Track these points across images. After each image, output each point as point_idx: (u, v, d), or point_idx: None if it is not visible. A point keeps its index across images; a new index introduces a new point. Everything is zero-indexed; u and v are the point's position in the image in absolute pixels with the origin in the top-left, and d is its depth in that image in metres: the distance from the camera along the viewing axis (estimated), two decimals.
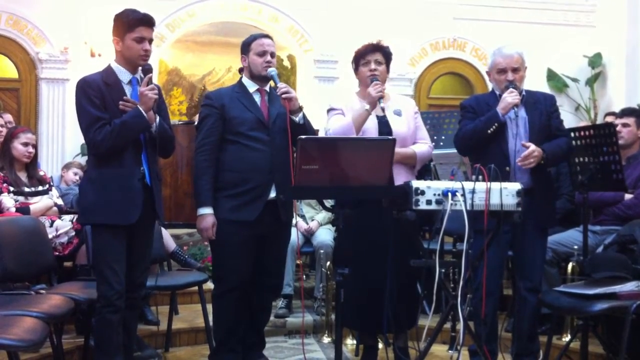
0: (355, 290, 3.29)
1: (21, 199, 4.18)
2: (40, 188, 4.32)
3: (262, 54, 3.45)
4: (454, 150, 3.91)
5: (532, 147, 3.37)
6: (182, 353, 4.27)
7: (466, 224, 2.72)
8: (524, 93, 3.53)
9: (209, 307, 3.71)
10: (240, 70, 3.62)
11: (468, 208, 2.79)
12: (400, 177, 3.36)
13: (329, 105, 3.62)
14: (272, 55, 3.47)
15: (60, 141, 7.61)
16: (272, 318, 4.20)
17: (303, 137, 2.81)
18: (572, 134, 3.79)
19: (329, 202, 3.22)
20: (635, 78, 7.85)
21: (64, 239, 4.14)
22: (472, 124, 3.48)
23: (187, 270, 4.58)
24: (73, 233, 4.15)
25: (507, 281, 4.65)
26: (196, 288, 4.15)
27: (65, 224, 4.16)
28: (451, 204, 2.79)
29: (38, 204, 4.23)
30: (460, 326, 2.87)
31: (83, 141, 6.12)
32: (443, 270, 2.84)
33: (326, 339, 4.43)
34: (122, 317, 3.12)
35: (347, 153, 2.83)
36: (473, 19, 8.39)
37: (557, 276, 4.08)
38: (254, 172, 3.38)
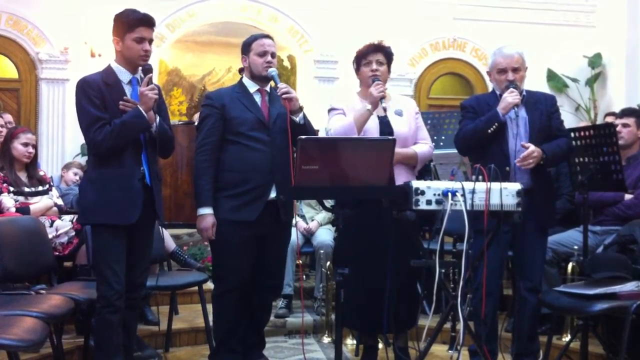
0: (355, 290, 3.29)
1: (21, 199, 4.18)
2: (40, 188, 4.32)
3: (262, 54, 3.45)
4: (454, 150, 3.91)
5: (532, 147, 3.36)
6: (182, 353, 4.27)
7: (466, 224, 2.72)
8: (524, 93, 3.53)
9: (209, 307, 3.71)
10: (240, 71, 3.62)
11: (468, 208, 2.79)
12: (401, 177, 3.36)
13: (329, 105, 3.62)
14: (273, 55, 3.47)
15: (60, 141, 7.61)
16: (272, 318, 4.20)
17: (303, 137, 2.81)
18: (572, 134, 3.79)
19: (329, 202, 3.22)
20: (635, 78, 7.85)
21: (64, 239, 4.14)
22: (473, 123, 3.48)
23: (187, 270, 4.58)
24: (73, 233, 4.15)
25: (507, 281, 4.65)
26: (196, 288, 4.15)
27: (65, 224, 4.16)
28: (451, 204, 2.79)
29: (38, 204, 4.23)
30: (460, 326, 2.87)
31: (83, 141, 6.13)
32: (443, 270, 2.84)
33: (326, 339, 4.43)
34: (122, 317, 3.12)
35: (347, 153, 2.83)
36: (473, 19, 8.39)
37: (557, 276, 4.08)
38: (254, 172, 3.38)
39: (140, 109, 3.04)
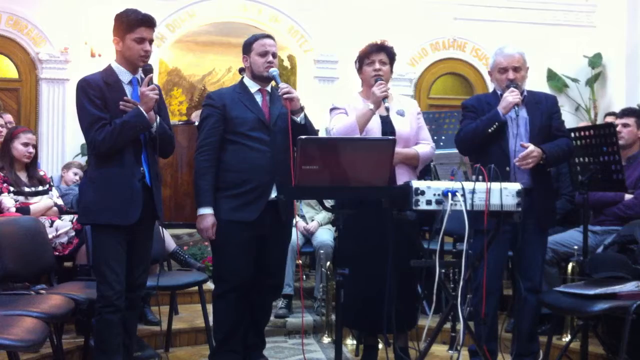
0: (355, 291, 3.29)
1: (21, 199, 4.18)
2: (40, 188, 4.32)
3: (263, 54, 3.45)
4: (454, 150, 3.91)
5: (531, 147, 3.36)
6: (182, 353, 4.26)
7: (466, 224, 2.72)
8: (525, 93, 3.53)
9: (209, 307, 3.71)
10: (241, 71, 3.62)
11: (468, 208, 2.79)
12: (402, 177, 3.37)
13: (331, 104, 3.62)
14: (274, 55, 3.47)
15: (60, 141, 7.61)
16: (272, 318, 4.20)
17: (303, 137, 2.81)
18: (572, 134, 3.80)
19: (329, 202, 3.22)
20: (635, 78, 7.85)
21: (64, 239, 4.14)
22: (473, 123, 3.48)
23: (187, 270, 4.59)
24: (73, 233, 4.15)
25: (507, 281, 4.65)
26: (196, 288, 4.15)
27: (65, 224, 4.16)
28: (451, 204, 2.79)
29: (38, 204, 4.23)
30: (460, 326, 2.87)
31: (83, 141, 6.15)
32: (443, 270, 2.84)
33: (326, 339, 4.42)
34: (122, 317, 3.12)
35: (348, 153, 2.83)
36: (473, 19, 8.39)
37: (557, 276, 4.09)
38: (254, 172, 3.38)
39: (141, 109, 3.04)
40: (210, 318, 3.69)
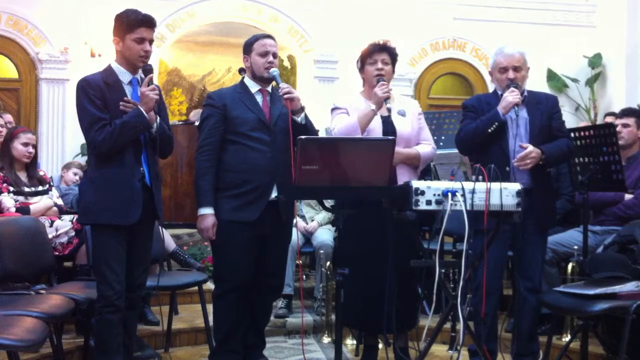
0: (355, 291, 3.29)
1: (21, 199, 4.18)
2: (40, 188, 4.33)
3: (264, 54, 3.44)
4: (454, 150, 3.91)
5: (530, 148, 3.36)
6: (182, 353, 4.26)
7: (466, 224, 2.72)
8: (525, 93, 3.53)
9: (209, 307, 3.71)
10: (240, 71, 3.62)
11: (468, 208, 2.79)
12: (403, 177, 3.37)
13: (333, 104, 3.62)
14: (274, 55, 3.47)
15: (60, 141, 7.61)
16: (272, 318, 4.20)
17: (303, 137, 2.81)
18: (572, 134, 3.80)
19: (329, 202, 3.22)
20: (635, 78, 7.85)
21: (64, 239, 4.14)
22: (473, 123, 3.48)
23: (187, 270, 4.59)
24: (73, 233, 4.15)
25: (507, 281, 4.65)
26: (196, 288, 4.15)
27: (65, 224, 4.16)
28: (451, 204, 2.79)
29: (38, 204, 4.23)
30: (460, 326, 2.87)
31: (83, 141, 6.15)
32: (443, 270, 2.84)
33: (326, 339, 4.42)
34: (122, 317, 3.12)
35: (347, 153, 2.84)
36: (473, 19, 8.39)
37: (557, 276, 4.09)
38: (255, 172, 3.38)
39: (141, 109, 3.04)
40: (210, 318, 3.70)
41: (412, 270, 3.14)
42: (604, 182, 3.76)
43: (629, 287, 3.13)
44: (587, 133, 3.81)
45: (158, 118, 3.15)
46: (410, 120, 3.55)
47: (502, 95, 3.46)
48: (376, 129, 3.44)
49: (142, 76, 3.16)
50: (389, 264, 3.14)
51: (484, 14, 8.40)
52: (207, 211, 3.37)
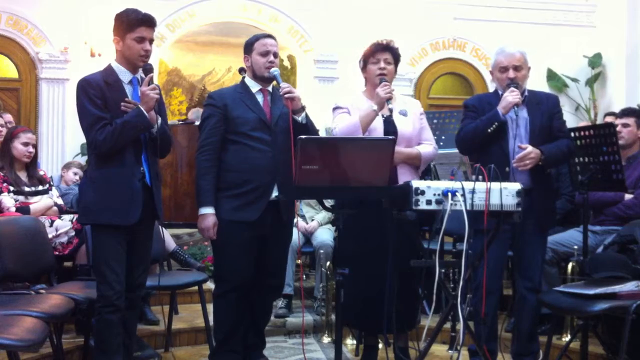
0: (355, 291, 3.29)
1: (21, 198, 4.18)
2: (40, 188, 4.32)
3: (265, 54, 3.44)
4: (455, 150, 3.91)
5: (529, 148, 3.36)
6: (182, 353, 4.26)
7: (466, 224, 2.72)
8: (526, 93, 3.52)
9: (209, 307, 3.71)
10: (241, 70, 3.62)
11: (468, 208, 2.79)
12: (404, 177, 3.37)
13: (334, 103, 3.61)
14: (275, 55, 3.47)
15: (60, 141, 7.61)
16: (272, 318, 4.20)
17: (303, 137, 2.81)
18: (572, 134, 3.79)
19: (329, 202, 3.22)
20: (635, 78, 7.85)
21: (64, 239, 4.14)
22: (474, 123, 3.48)
23: (187, 270, 4.59)
24: (73, 233, 4.15)
25: (507, 281, 4.65)
26: (196, 288, 4.15)
27: (65, 224, 4.16)
28: (451, 204, 2.79)
29: (38, 203, 4.23)
30: (460, 326, 2.87)
31: (83, 141, 6.15)
32: (443, 270, 2.84)
33: (326, 339, 4.42)
34: (122, 317, 3.12)
35: (348, 153, 2.83)
36: (473, 19, 8.39)
37: (557, 276, 4.08)
38: (255, 172, 3.38)
39: (142, 108, 3.04)
40: (211, 318, 3.70)
41: (412, 270, 3.14)
42: (604, 182, 3.76)
43: (629, 287, 3.13)
44: (587, 133, 3.81)
45: (159, 118, 3.15)
46: (411, 120, 3.55)
47: (502, 95, 3.46)
48: (377, 128, 3.44)
49: (143, 76, 3.16)
50: (389, 264, 3.14)
51: (484, 14, 8.40)
52: (208, 211, 3.37)
